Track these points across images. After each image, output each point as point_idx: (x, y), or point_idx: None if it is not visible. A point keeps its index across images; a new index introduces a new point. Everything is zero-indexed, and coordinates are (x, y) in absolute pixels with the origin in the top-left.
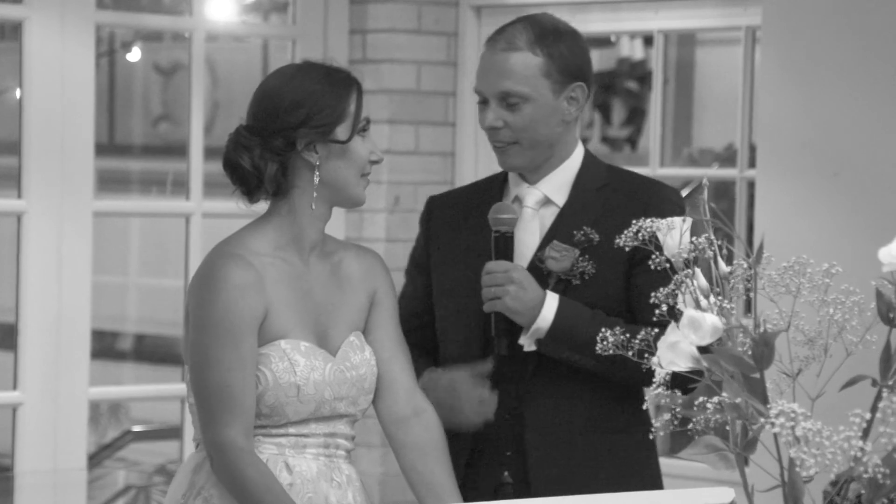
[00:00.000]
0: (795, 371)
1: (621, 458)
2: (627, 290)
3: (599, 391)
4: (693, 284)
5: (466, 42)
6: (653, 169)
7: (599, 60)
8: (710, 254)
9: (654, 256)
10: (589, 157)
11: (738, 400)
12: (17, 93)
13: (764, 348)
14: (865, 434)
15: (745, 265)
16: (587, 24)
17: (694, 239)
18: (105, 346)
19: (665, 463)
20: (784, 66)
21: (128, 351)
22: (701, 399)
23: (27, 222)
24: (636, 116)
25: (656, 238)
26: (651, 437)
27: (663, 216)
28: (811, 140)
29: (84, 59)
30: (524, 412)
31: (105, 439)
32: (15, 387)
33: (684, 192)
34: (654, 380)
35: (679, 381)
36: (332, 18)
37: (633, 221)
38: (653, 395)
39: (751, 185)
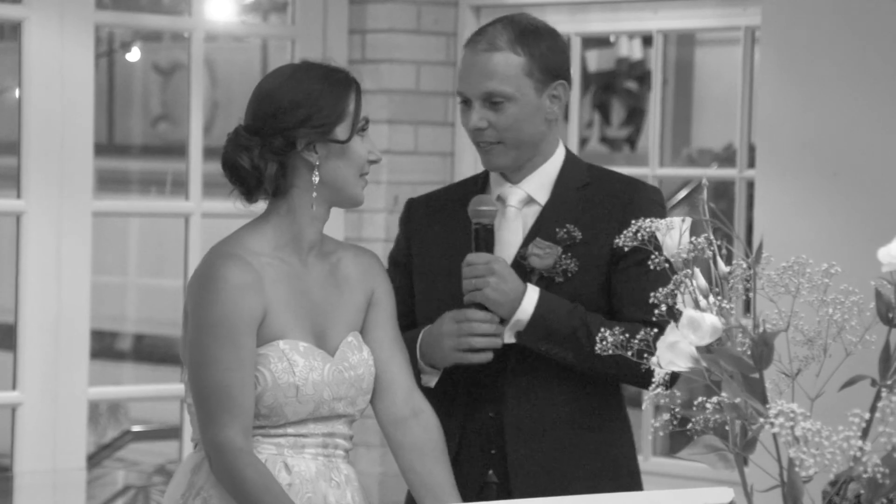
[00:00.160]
0: (795, 371)
1: (600, 456)
2: (608, 287)
3: (578, 389)
4: (692, 284)
5: None
6: (652, 169)
7: (599, 60)
8: (710, 254)
9: (653, 256)
10: (570, 157)
11: (738, 400)
12: (17, 93)
13: (763, 348)
14: (865, 434)
15: (745, 265)
16: (586, 24)
17: (693, 239)
18: (104, 346)
19: (664, 463)
20: (783, 66)
21: (127, 351)
22: (700, 399)
23: (26, 222)
24: (635, 116)
25: (655, 238)
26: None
27: (644, 215)
28: (810, 140)
29: (83, 59)
30: (504, 411)
31: (104, 439)
32: (14, 387)
33: (683, 193)
34: (650, 379)
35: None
36: (331, 18)
37: (616, 220)
38: (652, 395)
39: (750, 185)
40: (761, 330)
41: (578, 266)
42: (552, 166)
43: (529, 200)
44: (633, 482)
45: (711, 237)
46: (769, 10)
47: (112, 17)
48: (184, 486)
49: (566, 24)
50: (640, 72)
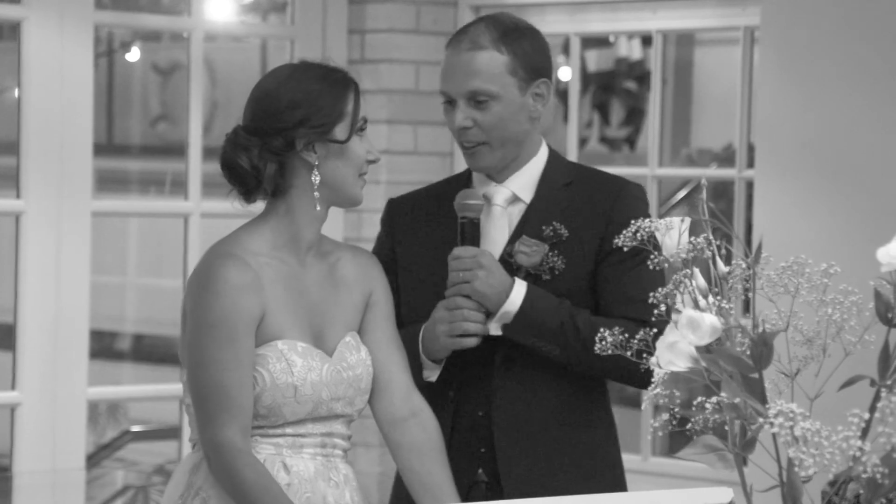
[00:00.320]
0: (794, 371)
1: (588, 452)
2: (594, 284)
3: (565, 387)
4: (692, 284)
5: None
6: (651, 169)
7: (598, 60)
8: (709, 254)
9: (652, 256)
10: (553, 155)
11: (737, 400)
12: (16, 93)
13: (762, 348)
14: (864, 434)
15: (744, 265)
16: (586, 24)
17: (692, 239)
18: (103, 346)
19: (664, 463)
20: (782, 66)
21: (126, 351)
22: (700, 399)
23: (26, 222)
24: (635, 116)
25: (654, 238)
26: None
27: (628, 212)
28: (810, 140)
29: (83, 59)
30: (493, 410)
31: (103, 439)
32: (13, 387)
33: (683, 193)
34: (638, 374)
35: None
36: (330, 18)
37: (601, 217)
38: (651, 395)
39: (749, 185)
40: (760, 330)
41: (565, 263)
42: (536, 164)
43: (514, 199)
44: (617, 478)
45: (711, 237)
46: (768, 9)
47: (111, 17)
48: (182, 486)
49: (566, 24)
50: (639, 72)
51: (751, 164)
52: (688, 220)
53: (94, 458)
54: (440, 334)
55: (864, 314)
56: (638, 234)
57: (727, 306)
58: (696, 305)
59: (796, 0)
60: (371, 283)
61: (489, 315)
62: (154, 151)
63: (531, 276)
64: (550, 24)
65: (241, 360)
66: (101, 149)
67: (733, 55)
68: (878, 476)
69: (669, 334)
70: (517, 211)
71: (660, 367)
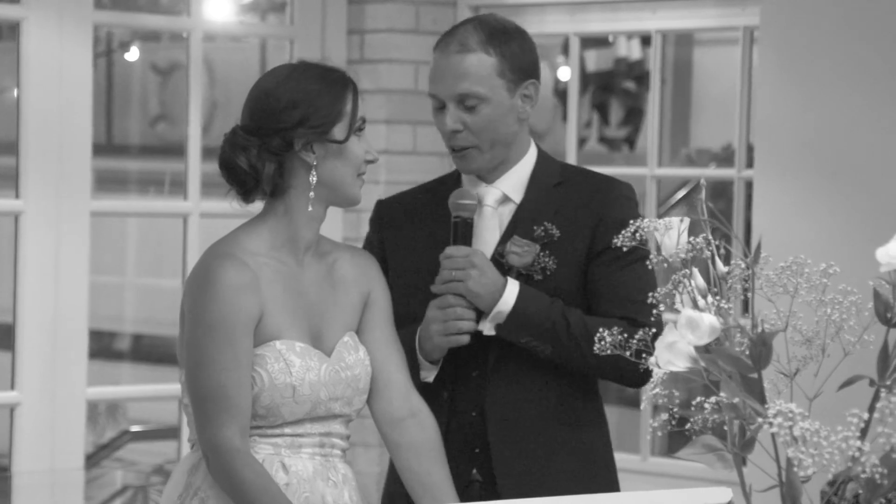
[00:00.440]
0: (793, 371)
1: (582, 451)
2: (585, 283)
3: (558, 386)
4: (691, 284)
5: None
6: (651, 169)
7: (597, 60)
8: (708, 254)
9: (651, 256)
10: (542, 155)
11: (736, 400)
12: (15, 93)
13: (762, 348)
14: (863, 434)
15: (743, 265)
16: (585, 24)
17: (692, 239)
18: (103, 346)
19: (663, 463)
20: (782, 66)
21: (125, 351)
22: (699, 399)
23: (25, 222)
24: (634, 116)
25: (645, 238)
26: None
27: (618, 211)
28: (809, 140)
29: (82, 59)
30: (486, 411)
31: (103, 439)
32: (12, 387)
33: (682, 193)
34: (630, 373)
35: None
36: (329, 18)
37: (591, 217)
38: (650, 395)
39: (748, 185)
40: (760, 330)
41: (556, 263)
42: (526, 165)
43: (505, 199)
44: (610, 477)
45: (710, 237)
46: (768, 10)
47: (110, 17)
48: (181, 486)
49: (565, 24)
50: (638, 72)
51: (750, 164)
52: (687, 220)
53: (94, 458)
54: (433, 333)
55: (864, 314)
56: (637, 235)
57: (726, 306)
58: (696, 305)
59: (796, 0)
60: (369, 283)
61: (481, 315)
62: (153, 151)
63: (523, 277)
64: (550, 24)
65: (240, 361)
66: (100, 149)
67: (733, 55)
68: (877, 476)
69: (668, 334)
70: (507, 211)
71: (659, 367)
